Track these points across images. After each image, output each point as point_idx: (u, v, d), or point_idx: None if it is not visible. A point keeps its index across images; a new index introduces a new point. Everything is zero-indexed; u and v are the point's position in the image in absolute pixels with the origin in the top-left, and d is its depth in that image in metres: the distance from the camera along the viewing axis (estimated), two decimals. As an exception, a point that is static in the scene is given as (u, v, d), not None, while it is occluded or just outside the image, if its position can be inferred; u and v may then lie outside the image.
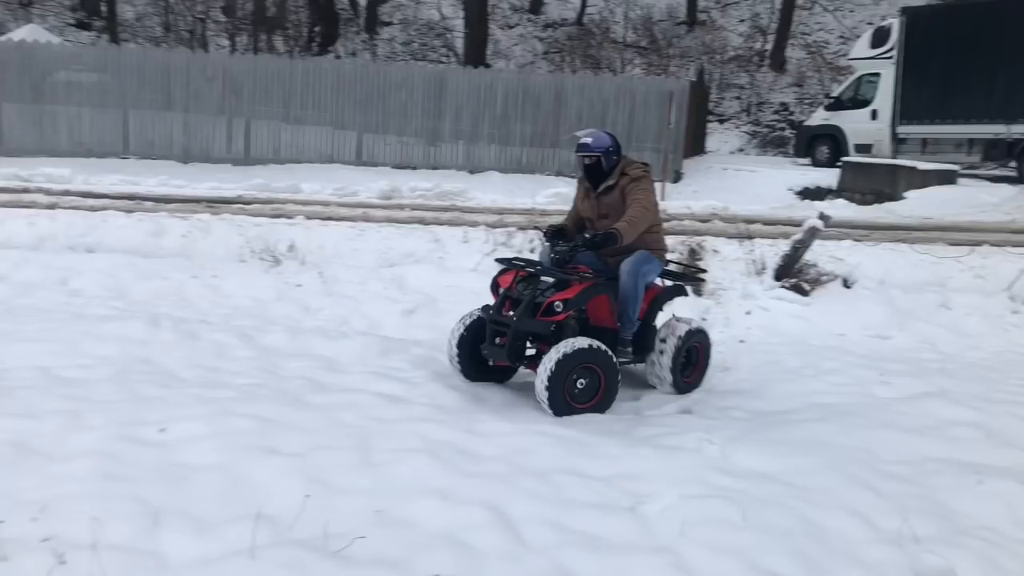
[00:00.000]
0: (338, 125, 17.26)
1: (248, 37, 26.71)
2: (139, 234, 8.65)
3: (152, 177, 13.12)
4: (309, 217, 9.91)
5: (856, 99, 18.15)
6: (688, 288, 5.70)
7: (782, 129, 24.25)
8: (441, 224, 9.77)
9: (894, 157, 16.44)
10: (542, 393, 4.43)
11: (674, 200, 12.30)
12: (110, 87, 17.01)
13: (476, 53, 22.44)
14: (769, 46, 26.50)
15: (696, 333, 5.26)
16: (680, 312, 5.77)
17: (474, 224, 9.54)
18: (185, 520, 2.95)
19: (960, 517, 3.36)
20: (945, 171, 14.22)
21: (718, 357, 5.64)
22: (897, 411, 4.64)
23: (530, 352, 4.87)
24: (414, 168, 16.85)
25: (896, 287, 7.70)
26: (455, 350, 4.90)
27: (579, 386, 4.51)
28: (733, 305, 7.27)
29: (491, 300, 4.97)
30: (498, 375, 5.01)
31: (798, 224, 8.10)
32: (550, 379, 4.39)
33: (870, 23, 23.65)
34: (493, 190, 13.48)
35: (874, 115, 17.64)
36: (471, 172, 16.72)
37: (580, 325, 4.88)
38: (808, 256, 7.71)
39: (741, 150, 23.30)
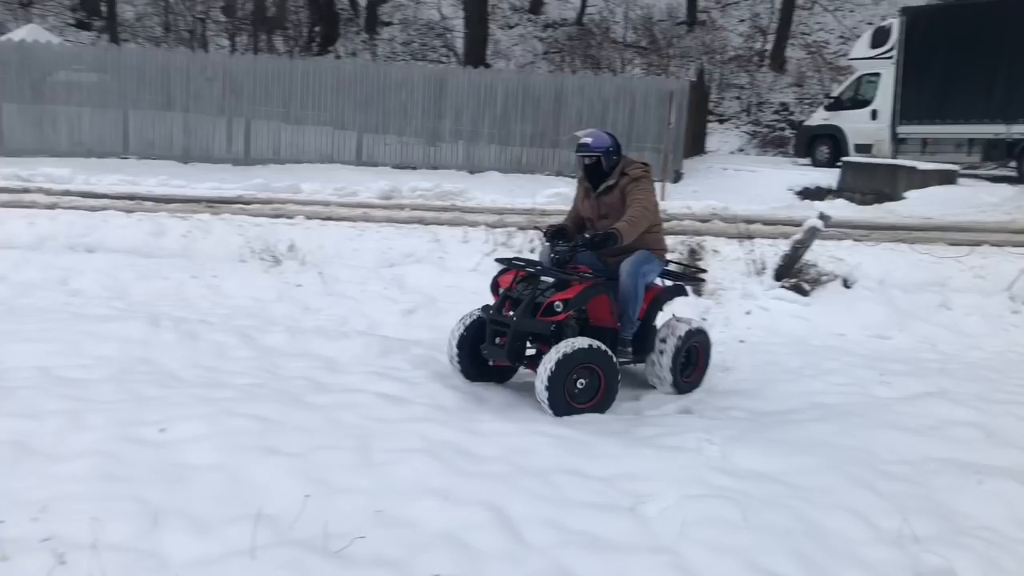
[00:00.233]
0: (338, 125, 17.26)
1: (248, 37, 26.72)
2: (139, 234, 8.65)
3: (152, 177, 13.11)
4: (309, 217, 9.90)
5: (856, 99, 18.16)
6: (688, 288, 5.70)
7: (782, 129, 24.25)
8: (441, 224, 9.77)
9: (894, 157, 16.45)
10: (542, 393, 4.43)
11: (674, 200, 12.30)
12: (110, 87, 17.01)
13: (476, 53, 22.44)
14: (769, 46, 26.51)
15: (696, 333, 5.26)
16: (680, 312, 5.77)
17: (474, 224, 9.54)
18: (185, 520, 2.95)
19: (960, 517, 3.36)
20: (945, 171, 14.22)
21: (718, 357, 5.64)
22: (897, 411, 4.64)
23: (530, 352, 4.87)
24: (414, 168, 16.85)
25: (896, 287, 7.70)
26: (455, 350, 4.90)
27: (579, 386, 4.51)
28: (733, 305, 7.27)
29: (491, 300, 4.97)
30: (498, 375, 5.01)
31: (798, 224, 8.10)
32: (550, 379, 4.39)
33: (870, 23, 23.65)
34: (493, 190, 13.48)
35: (874, 115, 17.65)
36: (471, 172, 16.72)
37: (580, 325, 4.88)
38: (808, 256, 7.72)
39: (741, 150, 23.29)
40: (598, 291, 4.78)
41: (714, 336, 5.64)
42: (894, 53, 17.13)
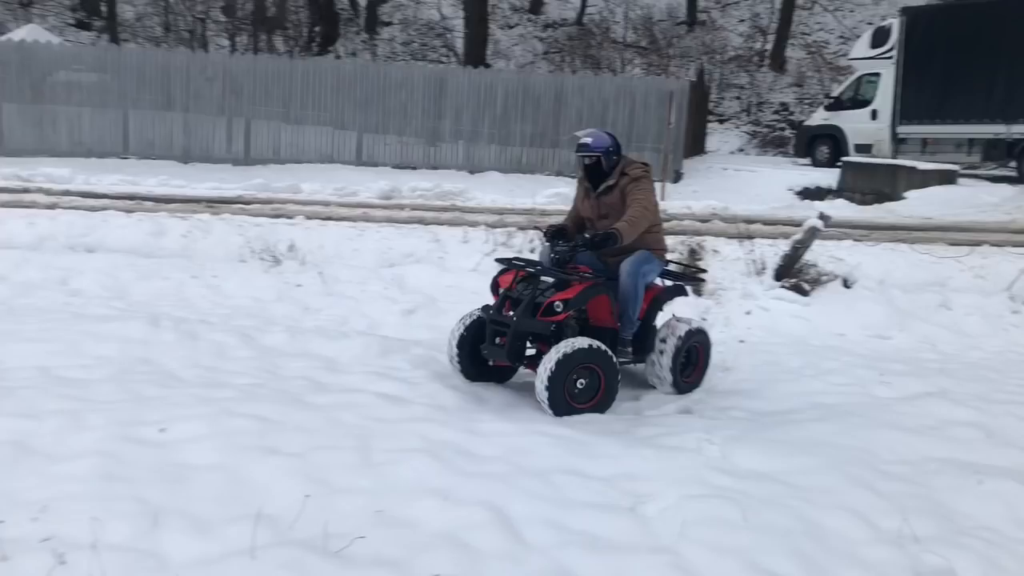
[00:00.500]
0: (338, 125, 17.26)
1: (248, 37, 26.71)
2: (139, 234, 8.65)
3: (152, 177, 13.11)
4: (309, 217, 9.90)
5: (856, 99, 18.16)
6: (688, 288, 5.70)
7: (782, 129, 24.25)
8: (441, 224, 9.77)
9: (894, 157, 16.45)
10: (542, 393, 4.43)
11: (674, 200, 12.30)
12: (110, 87, 17.00)
13: (476, 53, 22.44)
14: (769, 46, 26.51)
15: (696, 333, 5.26)
16: (680, 312, 5.77)
17: (474, 224, 9.54)
18: (185, 520, 2.95)
19: (960, 517, 3.36)
20: (945, 171, 14.22)
21: (718, 357, 5.64)
22: (897, 411, 4.64)
23: (530, 352, 4.87)
24: (414, 168, 16.85)
25: (896, 287, 7.70)
26: (455, 350, 4.90)
27: (579, 386, 4.51)
28: (733, 305, 7.27)
29: (491, 300, 4.97)
30: (498, 375, 5.01)
31: (798, 224, 8.10)
32: (550, 379, 4.39)
33: (870, 23, 23.65)
34: (493, 190, 13.47)
35: (874, 115, 17.65)
36: (471, 172, 16.72)
37: (580, 325, 4.88)
38: (808, 256, 7.72)
39: (741, 150, 23.29)
40: (598, 291, 4.78)
41: (714, 336, 5.64)
42: (894, 53, 17.13)
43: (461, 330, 4.89)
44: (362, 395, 4.38)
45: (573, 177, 13.06)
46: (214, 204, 10.57)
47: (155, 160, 16.50)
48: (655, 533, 3.09)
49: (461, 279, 7.69)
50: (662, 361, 5.09)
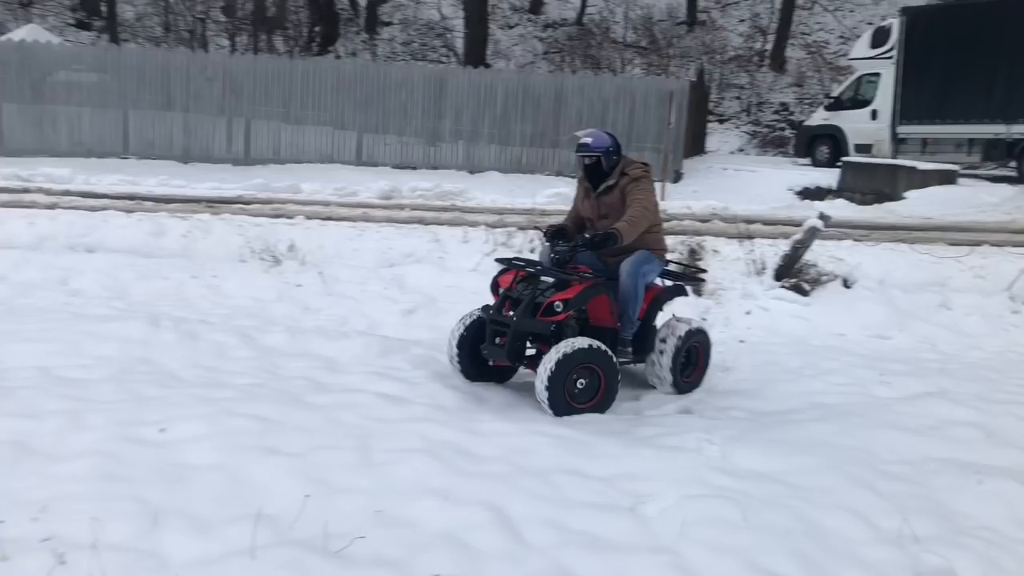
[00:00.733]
0: (338, 125, 17.26)
1: (248, 37, 26.71)
2: (139, 234, 8.65)
3: (152, 177, 13.11)
4: (309, 217, 9.90)
5: (856, 99, 18.16)
6: (688, 288, 5.70)
7: (782, 129, 24.25)
8: (441, 224, 9.77)
9: (894, 157, 16.45)
10: (542, 393, 4.43)
11: (674, 200, 12.30)
12: (110, 87, 17.00)
13: (476, 53, 22.44)
14: (769, 46, 26.51)
15: (696, 333, 5.26)
16: (680, 312, 5.77)
17: (474, 224, 9.54)
18: (185, 520, 2.95)
19: (960, 517, 3.36)
20: (945, 171, 14.22)
21: (718, 357, 5.64)
22: (897, 411, 4.64)
23: (530, 352, 4.87)
24: (414, 168, 16.85)
25: (896, 287, 7.70)
26: (455, 350, 4.90)
27: (579, 386, 4.51)
28: (733, 305, 7.27)
29: (491, 300, 4.97)
30: (498, 375, 5.01)
31: (798, 224, 8.10)
32: (550, 379, 4.39)
33: (870, 23, 23.65)
34: (493, 190, 13.48)
35: (874, 115, 17.65)
36: (471, 172, 16.72)
37: (580, 325, 4.88)
38: (808, 256, 7.72)
39: (741, 150, 23.30)
40: (598, 291, 4.78)
41: (714, 336, 5.64)
42: (894, 53, 17.13)
43: (461, 330, 4.89)
44: (362, 395, 4.38)
45: (573, 177, 13.06)
46: (214, 204, 10.57)
47: (155, 160, 16.50)
48: (655, 533, 3.09)
49: (461, 279, 7.69)
50: (662, 361, 5.09)
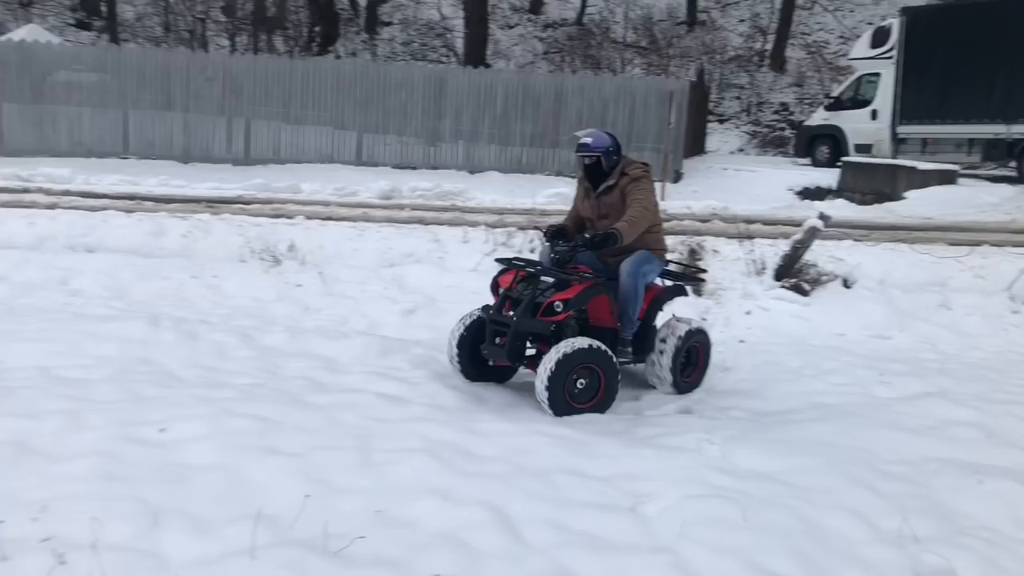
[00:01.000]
0: (338, 125, 17.26)
1: (248, 37, 26.71)
2: (139, 234, 8.65)
3: (152, 177, 13.11)
4: (309, 217, 9.90)
5: (856, 99, 18.16)
6: (688, 288, 5.70)
7: (782, 129, 24.25)
8: (441, 224, 9.77)
9: (894, 157, 16.45)
10: (542, 393, 4.43)
11: (674, 200, 12.30)
12: (110, 87, 17.00)
13: (476, 53, 22.44)
14: (769, 46, 26.51)
15: (696, 333, 5.26)
16: (680, 312, 5.77)
17: (474, 224, 9.54)
18: (185, 520, 2.95)
19: (960, 517, 3.36)
20: (945, 171, 14.22)
21: (718, 357, 5.64)
22: (897, 411, 4.64)
23: (530, 352, 4.87)
24: (414, 168, 16.85)
25: (896, 287, 7.70)
26: (455, 350, 4.90)
27: (579, 386, 4.51)
28: (733, 305, 7.27)
29: (491, 300, 4.97)
30: (498, 375, 5.01)
31: (798, 224, 8.10)
32: (550, 379, 4.39)
33: (870, 23, 23.65)
34: (493, 190, 13.48)
35: (874, 115, 17.65)
36: (471, 172, 16.72)
37: (580, 325, 4.88)
38: (808, 256, 7.72)
39: (741, 150, 23.30)
40: (598, 291, 4.78)
41: (714, 336, 5.64)
42: (894, 53, 17.13)
43: (461, 330, 4.89)
44: (362, 395, 4.38)
45: (573, 177, 13.06)
46: (214, 204, 10.57)
47: (155, 160, 16.50)
48: (655, 533, 3.09)
49: (461, 279, 7.69)
50: (662, 361, 5.09)
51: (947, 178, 14.03)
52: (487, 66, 21.84)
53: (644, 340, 5.14)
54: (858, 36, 21.09)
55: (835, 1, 27.71)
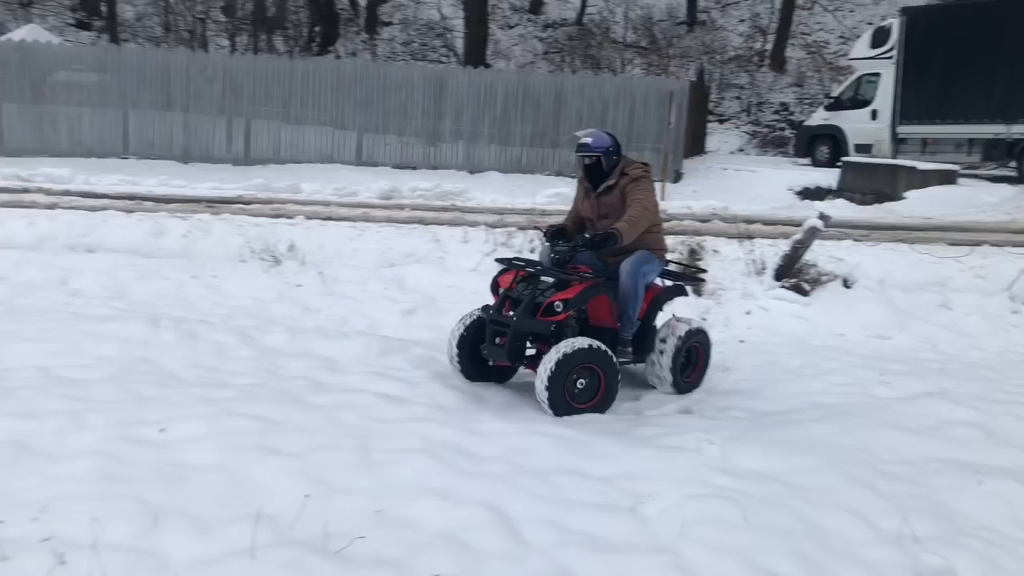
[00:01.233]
0: (338, 125, 17.26)
1: (248, 37, 26.71)
2: (139, 234, 8.65)
3: (152, 177, 13.11)
4: (309, 217, 9.90)
5: (856, 99, 18.16)
6: (688, 288, 5.70)
7: (782, 129, 24.25)
8: (441, 224, 9.77)
9: (894, 157, 16.45)
10: (542, 393, 4.43)
11: (674, 200, 12.30)
12: (110, 87, 17.01)
13: (476, 53, 22.44)
14: (769, 46, 26.51)
15: (696, 333, 5.26)
16: (680, 312, 5.77)
17: (474, 224, 9.54)
18: (185, 520, 2.95)
19: (960, 517, 3.36)
20: (945, 171, 14.22)
21: (718, 357, 5.64)
22: (897, 411, 4.64)
23: (530, 352, 4.87)
24: (414, 168, 16.85)
25: (896, 287, 7.70)
26: (455, 350, 4.90)
27: (579, 386, 4.51)
28: (733, 305, 7.27)
29: (491, 300, 4.97)
30: (498, 375, 5.01)
31: (798, 224, 8.10)
32: (550, 379, 4.39)
33: (870, 23, 23.65)
34: (493, 190, 13.48)
35: (874, 115, 17.65)
36: (471, 172, 16.72)
37: (580, 325, 4.88)
38: (808, 256, 7.72)
39: (741, 150, 23.30)
40: (598, 291, 4.78)
41: (714, 336, 5.64)
42: (894, 53, 17.13)
43: (461, 330, 4.89)
44: (362, 395, 4.38)
45: (573, 177, 13.06)
46: (214, 204, 10.57)
47: (155, 160, 16.50)
48: (655, 533, 3.09)
49: (461, 279, 7.69)
50: (662, 361, 5.09)
51: (947, 178, 14.03)
52: (487, 66, 21.84)
53: (644, 340, 5.14)
54: (858, 36, 21.09)
55: (835, 1, 27.71)
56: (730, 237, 9.18)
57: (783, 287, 7.52)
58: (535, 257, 5.54)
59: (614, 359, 4.62)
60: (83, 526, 2.80)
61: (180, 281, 7.49)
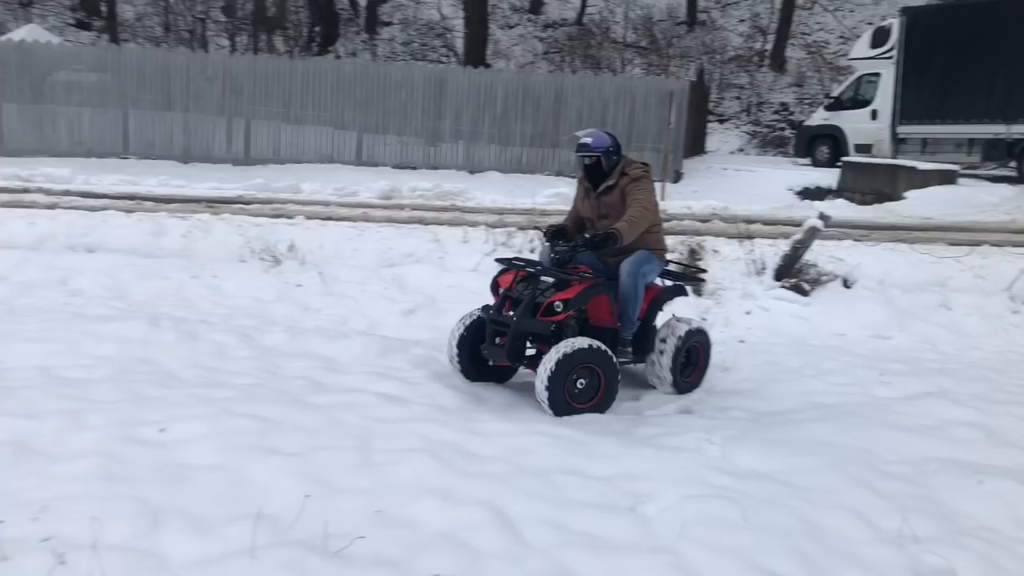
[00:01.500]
0: (338, 125, 17.26)
1: (248, 37, 26.71)
2: (139, 234, 8.65)
3: (152, 177, 13.11)
4: (309, 217, 9.90)
5: (856, 99, 18.16)
6: (688, 288, 5.70)
7: (782, 129, 24.25)
8: (441, 224, 9.77)
9: (894, 157, 16.45)
10: (542, 393, 4.43)
11: (674, 200, 12.30)
12: (110, 87, 17.01)
13: (476, 53, 22.44)
14: (769, 46, 26.51)
15: (696, 333, 5.26)
16: (680, 312, 5.77)
17: (474, 224, 9.54)
18: (185, 520, 2.95)
19: (960, 517, 3.36)
20: (945, 171, 14.22)
21: (718, 357, 5.64)
22: (897, 411, 4.64)
23: (530, 352, 4.87)
24: (414, 168, 16.85)
25: (896, 287, 7.70)
26: (455, 350, 4.90)
27: (579, 386, 4.51)
28: (733, 305, 7.27)
29: (491, 300, 4.97)
30: (498, 375, 5.01)
31: (798, 224, 8.10)
32: (550, 379, 4.39)
33: (870, 23, 23.65)
34: (493, 190, 13.48)
35: (874, 115, 17.65)
36: (471, 172, 16.72)
37: (580, 325, 4.88)
38: (808, 256, 7.72)
39: (741, 150, 23.30)
40: (598, 291, 4.78)
41: (714, 336, 5.64)
42: (894, 53, 17.14)
43: (461, 330, 4.89)
44: (362, 395, 4.38)
45: (573, 177, 13.06)
46: (214, 204, 10.57)
47: (155, 160, 16.50)
48: (655, 533, 3.09)
49: (461, 279, 7.69)
50: (662, 361, 5.09)
51: (947, 178, 14.03)
52: (487, 66, 21.84)
53: (644, 340, 5.14)
54: (858, 36, 21.09)
55: (835, 1, 27.71)
56: (730, 237, 9.18)
57: (783, 287, 7.53)
58: (535, 257, 5.54)
59: (614, 359, 4.62)
60: (83, 526, 2.80)
61: (180, 281, 7.49)
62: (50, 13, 26.54)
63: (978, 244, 9.09)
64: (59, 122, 16.91)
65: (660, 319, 5.34)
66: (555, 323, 4.67)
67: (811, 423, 4.45)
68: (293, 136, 17.22)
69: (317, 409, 4.09)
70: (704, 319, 6.61)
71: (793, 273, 7.64)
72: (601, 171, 5.02)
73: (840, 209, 11.09)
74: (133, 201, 10.54)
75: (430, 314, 6.92)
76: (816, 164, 18.31)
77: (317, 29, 27.56)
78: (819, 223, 7.49)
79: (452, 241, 8.82)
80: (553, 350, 4.46)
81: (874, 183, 14.43)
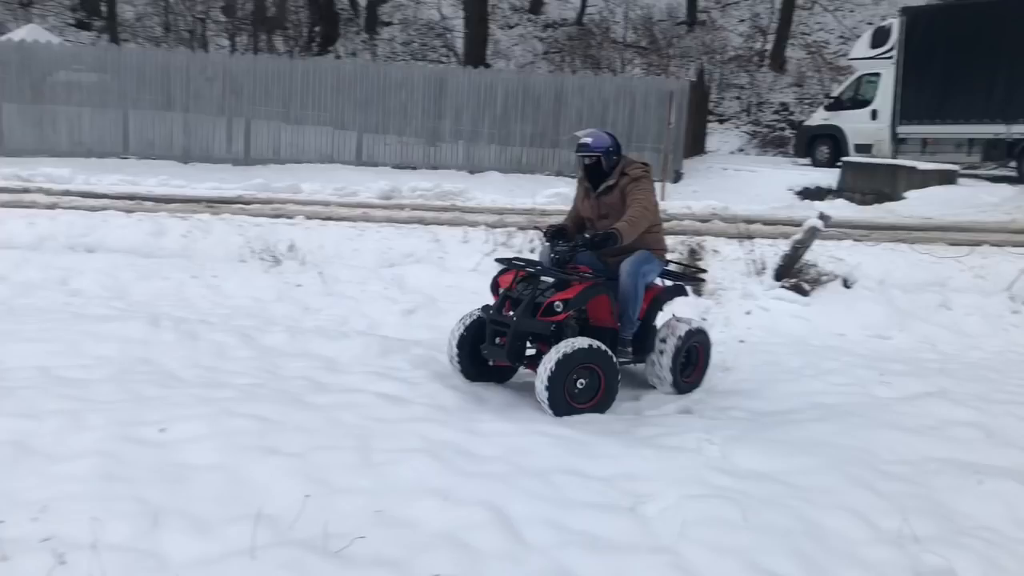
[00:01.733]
0: (338, 125, 17.26)
1: (248, 37, 26.72)
2: (139, 234, 8.65)
3: (152, 177, 13.11)
4: (309, 217, 9.90)
5: (856, 99, 18.16)
6: (688, 288, 5.70)
7: (782, 129, 24.25)
8: (441, 224, 9.77)
9: (894, 157, 16.45)
10: (542, 393, 4.43)
11: (674, 200, 12.30)
12: (110, 87, 17.01)
13: (476, 53, 22.44)
14: (769, 46, 26.51)
15: (696, 333, 5.26)
16: (680, 312, 5.77)
17: (474, 224, 9.54)
18: (185, 520, 2.95)
19: (960, 517, 3.36)
20: (945, 171, 14.22)
21: (718, 357, 5.64)
22: (897, 411, 4.64)
23: (530, 352, 4.87)
24: (414, 168, 16.85)
25: (896, 287, 7.70)
26: (455, 350, 4.90)
27: (579, 386, 4.51)
28: (733, 305, 7.27)
29: (491, 300, 4.97)
30: (498, 375, 5.01)
31: (798, 224, 8.10)
32: (550, 379, 4.39)
33: (870, 23, 23.65)
34: (493, 190, 13.48)
35: (874, 115, 17.65)
36: (471, 172, 16.72)
37: (580, 325, 4.88)
38: (808, 256, 7.72)
39: (741, 150, 23.30)
40: (598, 291, 4.78)
41: (714, 336, 5.64)
42: (894, 53, 17.14)
43: (461, 330, 4.89)
44: (362, 395, 4.38)
45: (573, 177, 13.06)
46: (214, 204, 10.57)
47: (155, 160, 16.50)
48: (655, 533, 3.09)
49: (461, 279, 7.69)
50: (662, 361, 5.09)
51: (947, 178, 14.03)
52: (487, 66, 21.84)
53: (644, 340, 5.14)
54: (858, 36, 21.09)
55: (835, 1, 27.71)
56: (730, 237, 9.18)
57: (783, 287, 7.53)
58: (535, 257, 5.54)
59: (614, 359, 4.62)
60: (83, 526, 2.80)
61: (180, 281, 7.49)
62: (50, 13, 26.54)
63: (978, 244, 9.09)
64: (59, 122, 16.91)
65: (660, 319, 5.34)
66: (555, 323, 4.67)
67: (811, 423, 4.45)
68: (293, 136, 17.23)
69: (317, 409, 4.09)
70: (704, 319, 6.61)
71: (793, 273, 7.64)
72: (601, 171, 5.02)
73: (840, 209, 11.09)
74: (133, 201, 10.54)
75: (430, 314, 6.92)
76: (816, 164, 18.31)
77: (317, 29, 27.56)
78: (819, 223, 7.49)
79: (452, 241, 8.82)
80: (553, 350, 4.46)
81: (874, 183, 14.43)
